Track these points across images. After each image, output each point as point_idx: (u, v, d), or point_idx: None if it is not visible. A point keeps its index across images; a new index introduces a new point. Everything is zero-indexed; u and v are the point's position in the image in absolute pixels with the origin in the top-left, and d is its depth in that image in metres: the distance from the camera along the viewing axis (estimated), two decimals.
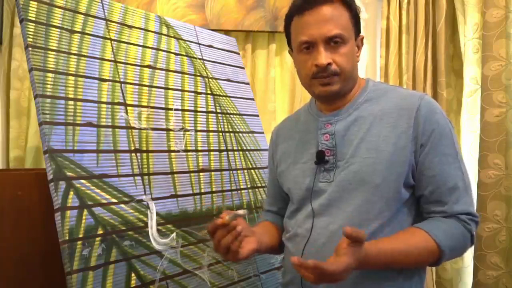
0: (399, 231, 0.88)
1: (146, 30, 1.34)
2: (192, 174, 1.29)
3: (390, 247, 0.84)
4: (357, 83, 0.99)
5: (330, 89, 0.92)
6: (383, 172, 0.89)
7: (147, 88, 1.26)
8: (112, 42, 1.23)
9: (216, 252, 0.87)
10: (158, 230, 1.14)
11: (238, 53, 1.66)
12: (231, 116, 1.50)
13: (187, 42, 1.45)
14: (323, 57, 0.89)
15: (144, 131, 1.21)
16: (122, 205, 1.09)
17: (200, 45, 1.50)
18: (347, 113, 0.96)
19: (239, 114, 1.53)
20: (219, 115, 1.46)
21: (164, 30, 1.39)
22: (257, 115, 1.61)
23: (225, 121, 1.47)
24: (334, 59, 0.90)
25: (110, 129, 1.13)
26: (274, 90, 2.09)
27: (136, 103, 1.22)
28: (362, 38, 0.99)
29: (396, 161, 0.89)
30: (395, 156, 0.89)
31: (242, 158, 1.47)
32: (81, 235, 0.98)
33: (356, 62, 0.96)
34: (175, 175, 1.24)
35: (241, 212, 0.85)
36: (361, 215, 0.89)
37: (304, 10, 0.91)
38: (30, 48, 1.04)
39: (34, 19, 1.08)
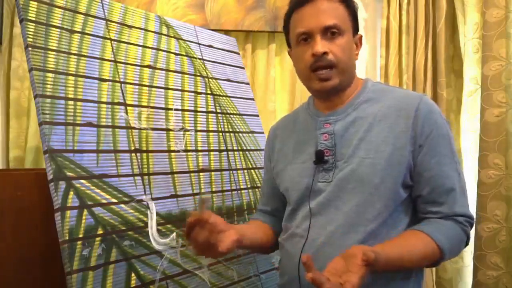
0: (402, 234, 0.89)
1: (146, 30, 1.34)
2: (192, 174, 1.29)
3: (398, 254, 0.83)
4: (356, 82, 0.99)
5: (329, 84, 0.92)
6: (381, 172, 0.88)
7: (147, 88, 1.26)
8: (112, 42, 1.23)
9: (198, 254, 0.84)
10: (158, 230, 1.14)
11: (238, 53, 1.66)
12: (231, 116, 1.50)
13: (187, 42, 1.45)
14: (320, 45, 0.90)
15: (144, 131, 1.21)
16: (122, 205, 1.09)
17: (200, 45, 1.50)
18: (345, 113, 0.96)
19: (239, 114, 1.53)
20: (219, 115, 1.46)
21: (164, 30, 1.39)
22: (257, 115, 1.61)
23: (225, 121, 1.47)
24: (331, 49, 0.91)
25: (110, 129, 1.13)
26: (274, 90, 2.09)
27: (136, 103, 1.22)
28: (361, 37, 0.99)
29: (395, 162, 0.89)
30: (394, 156, 0.89)
31: (242, 158, 1.47)
32: (81, 235, 0.98)
33: (353, 58, 0.96)
34: (175, 175, 1.24)
35: (203, 196, 0.79)
36: (359, 215, 0.89)
37: (302, 4, 0.93)
38: (30, 48, 1.04)
39: (34, 19, 1.08)
